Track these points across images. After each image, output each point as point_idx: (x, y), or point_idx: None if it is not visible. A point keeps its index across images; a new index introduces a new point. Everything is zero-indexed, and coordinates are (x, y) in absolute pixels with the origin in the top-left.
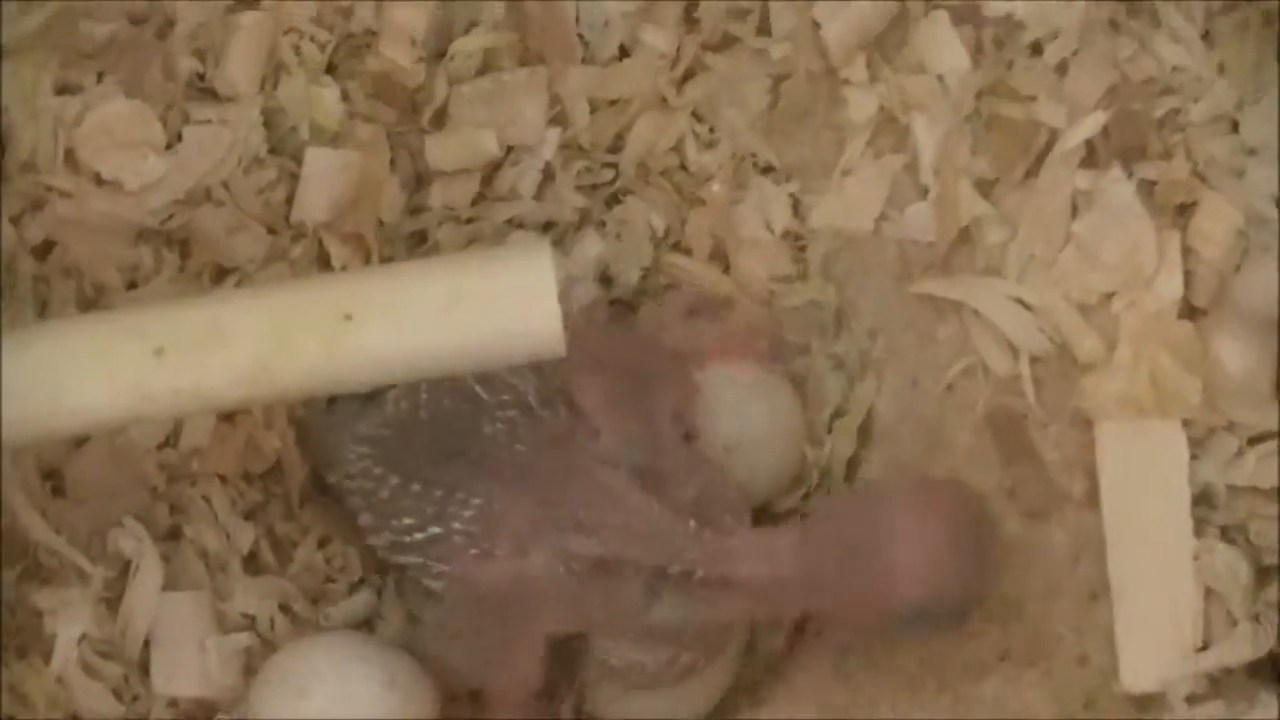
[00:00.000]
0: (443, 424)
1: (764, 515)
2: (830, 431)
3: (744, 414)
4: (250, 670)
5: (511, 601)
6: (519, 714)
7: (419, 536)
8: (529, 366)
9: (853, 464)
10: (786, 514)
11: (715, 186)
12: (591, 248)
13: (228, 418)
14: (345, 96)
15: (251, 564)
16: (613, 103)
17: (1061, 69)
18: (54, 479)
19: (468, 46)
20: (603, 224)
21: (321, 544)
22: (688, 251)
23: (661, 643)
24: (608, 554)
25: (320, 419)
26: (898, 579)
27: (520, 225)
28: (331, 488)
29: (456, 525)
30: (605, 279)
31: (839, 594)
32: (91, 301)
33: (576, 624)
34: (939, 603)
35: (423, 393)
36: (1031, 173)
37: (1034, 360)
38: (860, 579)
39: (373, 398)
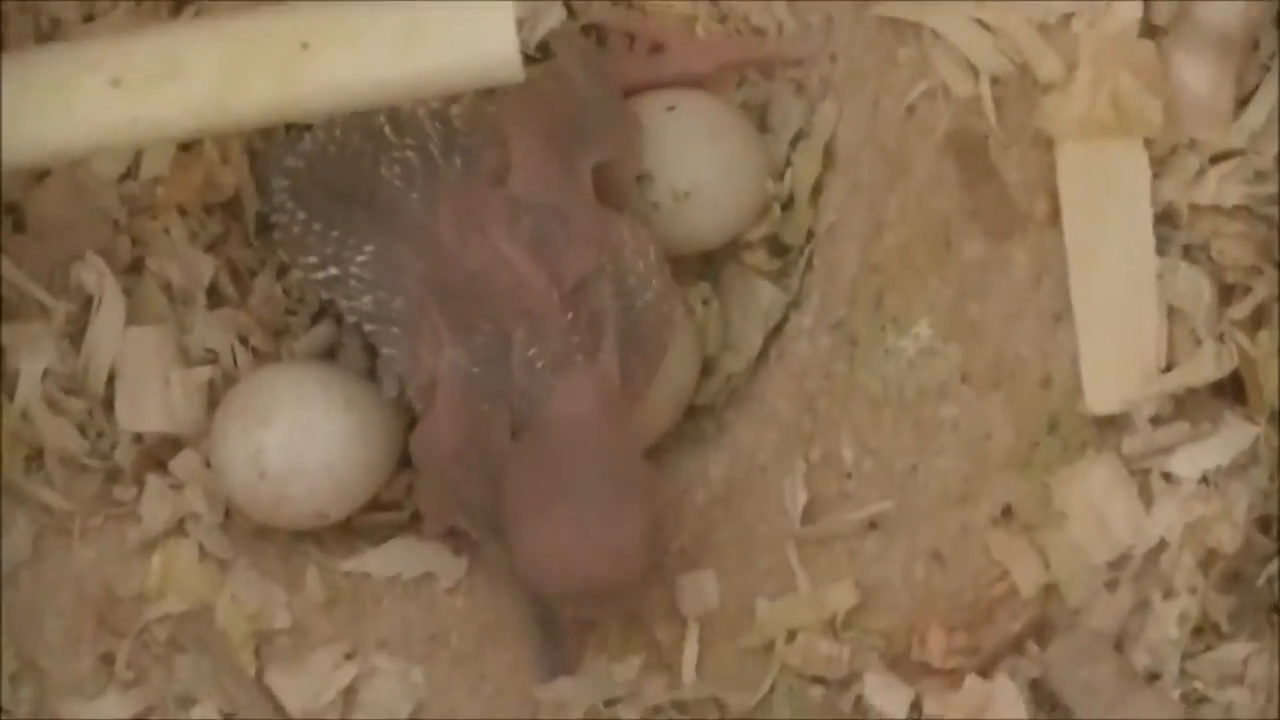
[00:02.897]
0: (348, 162)
1: (731, 252)
2: (792, 156)
3: (701, 154)
4: (214, 405)
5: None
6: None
7: (320, 275)
8: (439, 113)
9: (816, 190)
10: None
11: None
12: None
13: (186, 148)
14: None
15: (212, 297)
16: None
17: None
18: (14, 214)
19: None
20: None
21: (280, 274)
22: None
23: None
24: (498, 324)
25: (261, 150)
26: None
27: None
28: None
29: (352, 269)
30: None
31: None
32: (48, 35)
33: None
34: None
35: (337, 128)
36: None
37: (994, 81)
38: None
39: (305, 129)
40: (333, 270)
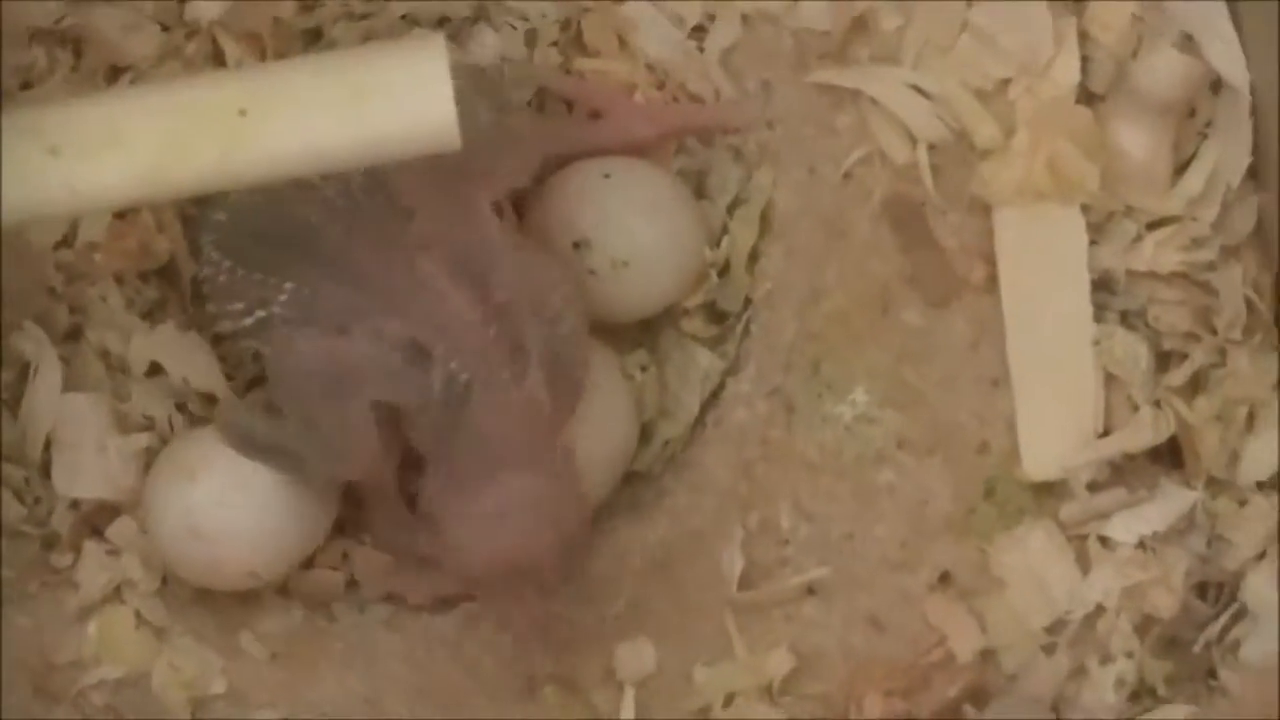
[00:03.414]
0: (272, 208)
1: (668, 319)
2: (729, 223)
3: (638, 222)
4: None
5: (329, 376)
6: (385, 488)
7: (248, 321)
8: None
9: (753, 256)
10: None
11: None
12: (488, 42)
13: (121, 215)
14: None
15: (150, 364)
16: None
17: None
18: None
19: None
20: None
21: (216, 342)
22: (595, 53)
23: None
24: (417, 338)
25: (192, 215)
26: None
27: (415, 22)
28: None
29: (276, 309)
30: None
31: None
32: None
33: (398, 397)
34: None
35: None
36: None
37: (932, 148)
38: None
39: None
40: (259, 313)
